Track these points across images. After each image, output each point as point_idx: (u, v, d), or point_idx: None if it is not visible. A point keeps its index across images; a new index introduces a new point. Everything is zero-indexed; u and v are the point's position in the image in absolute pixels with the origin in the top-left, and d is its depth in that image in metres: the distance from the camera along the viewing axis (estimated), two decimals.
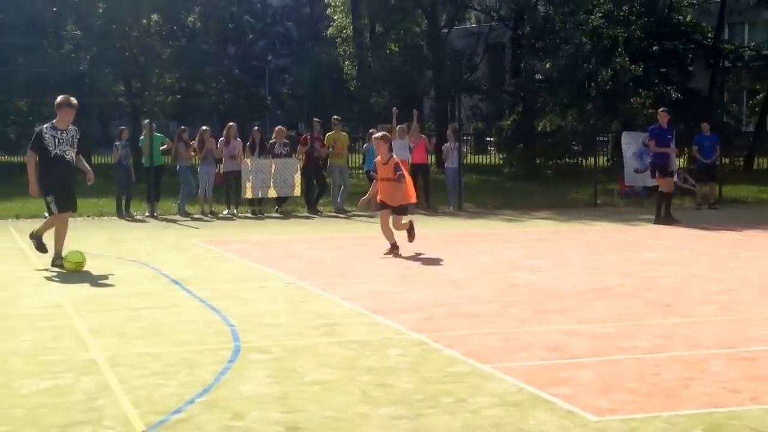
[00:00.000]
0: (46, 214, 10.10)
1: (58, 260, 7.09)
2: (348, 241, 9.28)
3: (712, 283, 6.24)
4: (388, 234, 7.83)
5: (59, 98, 7.10)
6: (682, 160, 17.35)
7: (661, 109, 11.83)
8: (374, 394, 3.49)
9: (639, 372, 3.78)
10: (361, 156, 15.69)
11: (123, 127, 13.07)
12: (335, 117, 13.77)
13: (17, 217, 11.95)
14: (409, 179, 8.10)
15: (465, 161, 18.01)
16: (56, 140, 6.94)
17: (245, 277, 6.71)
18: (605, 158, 20.62)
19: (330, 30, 25.27)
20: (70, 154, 7.02)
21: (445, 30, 24.61)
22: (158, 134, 12.97)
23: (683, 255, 8.05)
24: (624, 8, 21.72)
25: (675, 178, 12.12)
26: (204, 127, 12.89)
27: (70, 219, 7.39)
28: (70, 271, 6.85)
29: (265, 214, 12.62)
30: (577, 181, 17.60)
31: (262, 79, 31.41)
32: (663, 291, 5.93)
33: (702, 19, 24.61)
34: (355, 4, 22.73)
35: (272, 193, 12.83)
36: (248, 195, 12.64)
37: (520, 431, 3.04)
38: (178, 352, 4.23)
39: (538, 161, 20.70)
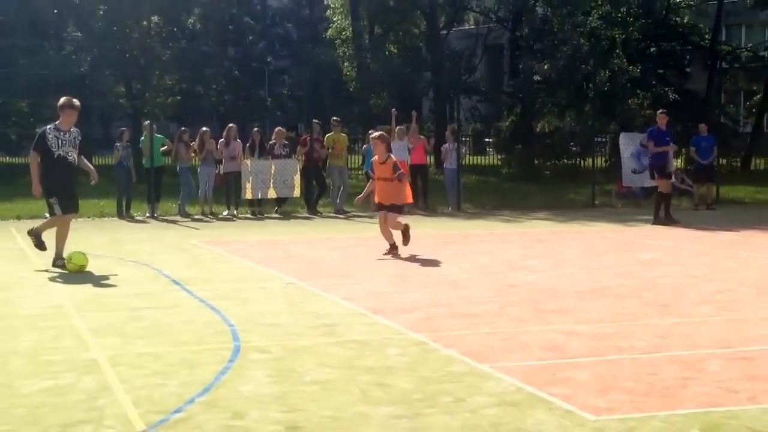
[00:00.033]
0: (47, 215, 10.11)
1: (59, 261, 7.11)
2: (347, 242, 9.29)
3: (709, 284, 6.26)
4: (387, 234, 7.85)
5: (62, 100, 7.13)
6: (679, 160, 17.39)
7: (660, 111, 11.87)
8: (373, 394, 3.50)
9: (636, 372, 3.80)
10: (361, 157, 15.71)
11: (124, 129, 13.12)
12: (334, 118, 13.80)
13: (18, 217, 11.97)
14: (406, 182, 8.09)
15: (464, 162, 18.03)
16: (59, 141, 6.97)
17: (245, 277, 6.74)
18: (603, 159, 20.66)
19: (329, 31, 25.32)
20: (73, 156, 7.05)
21: (444, 31, 24.66)
22: (159, 135, 13.01)
23: (681, 255, 8.07)
24: (622, 10, 21.78)
25: (672, 179, 12.15)
26: (204, 129, 12.94)
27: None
28: (72, 272, 6.87)
29: (265, 215, 12.65)
30: (575, 182, 17.63)
31: (261, 80, 31.48)
32: (661, 291, 5.95)
33: (699, 21, 24.69)
34: (354, 6, 22.77)
35: (272, 194, 12.86)
36: (248, 196, 12.67)
37: (518, 430, 3.05)
38: (179, 352, 4.25)
39: (536, 162, 20.74)
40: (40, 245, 7.30)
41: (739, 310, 5.29)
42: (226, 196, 12.69)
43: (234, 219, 12.34)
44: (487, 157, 24.98)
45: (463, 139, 22.03)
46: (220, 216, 12.46)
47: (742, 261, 7.62)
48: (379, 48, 23.28)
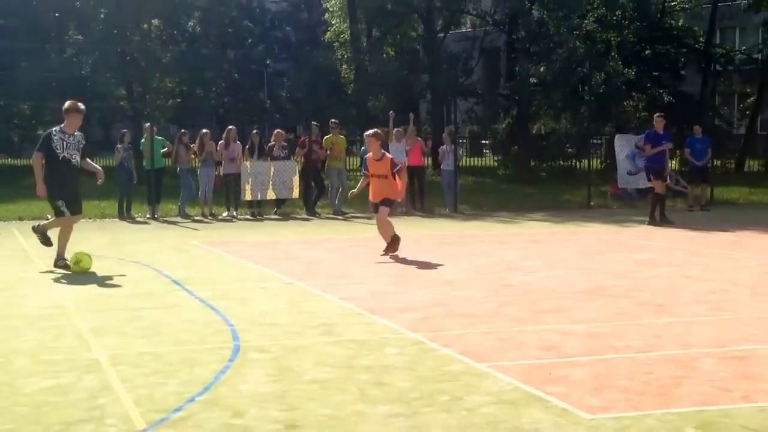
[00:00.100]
0: (49, 217, 10.12)
1: (60, 261, 7.14)
2: (346, 243, 9.33)
3: (703, 284, 6.30)
4: (385, 233, 7.87)
5: (67, 103, 7.18)
6: (674, 162, 17.50)
7: (657, 114, 11.94)
8: (371, 393, 3.53)
9: (632, 371, 3.83)
10: (359, 158, 15.76)
11: (125, 130, 13.18)
12: (333, 120, 13.85)
13: (20, 219, 12.03)
14: (399, 179, 8.09)
15: (461, 164, 18.11)
16: (64, 144, 7.02)
17: (245, 277, 6.76)
18: (599, 160, 20.74)
19: (328, 34, 25.38)
20: (76, 159, 7.10)
21: (441, 34, 24.73)
22: (159, 137, 13.09)
23: (675, 256, 8.12)
24: (617, 13, 21.90)
25: (667, 180, 12.24)
26: (204, 131, 13.05)
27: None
28: (75, 272, 6.90)
29: (264, 216, 12.70)
30: (571, 183, 17.69)
31: (261, 83, 31.57)
32: (655, 291, 5.99)
33: (694, 24, 24.82)
34: (352, 9, 22.83)
35: (271, 195, 12.92)
36: (247, 197, 12.74)
37: (515, 429, 3.08)
38: (179, 352, 4.27)
39: (532, 163, 20.81)
40: (47, 241, 7.32)
41: (732, 309, 5.33)
42: (226, 198, 12.76)
43: (233, 220, 12.39)
44: (483, 159, 25.04)
45: (460, 140, 22.08)
46: (220, 217, 12.51)
47: (736, 261, 7.68)
48: (377, 51, 23.34)
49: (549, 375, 3.77)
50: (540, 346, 4.34)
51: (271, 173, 12.83)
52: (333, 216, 12.82)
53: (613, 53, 20.32)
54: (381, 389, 3.58)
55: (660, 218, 11.17)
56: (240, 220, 12.42)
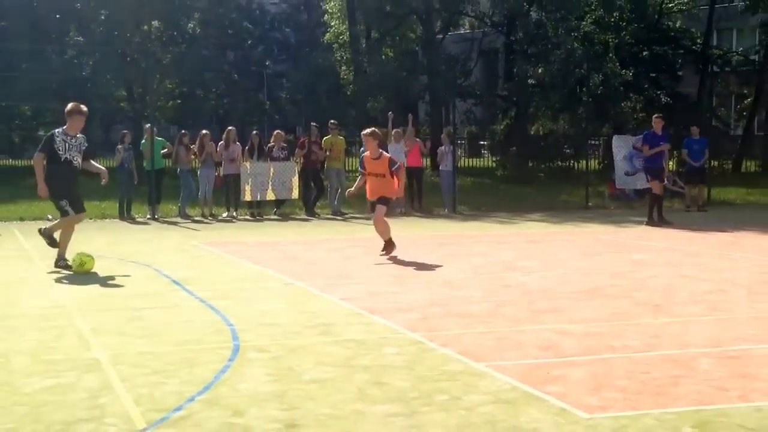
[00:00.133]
0: (50, 217, 10.13)
1: (61, 262, 7.17)
2: (345, 243, 9.35)
3: (701, 284, 6.33)
4: (382, 232, 7.87)
5: (70, 105, 7.21)
6: (671, 163, 17.56)
7: (656, 115, 11.99)
8: (370, 392, 3.54)
9: (629, 370, 3.85)
10: (358, 159, 15.74)
11: (125, 131, 13.24)
12: (332, 121, 13.89)
13: (21, 219, 12.08)
14: (397, 178, 8.08)
15: (459, 164, 18.13)
16: (66, 145, 7.05)
17: (244, 277, 6.78)
18: (597, 161, 20.79)
19: (327, 36, 25.44)
20: (77, 161, 7.13)
21: (440, 36, 24.78)
22: (159, 138, 13.17)
23: (673, 256, 8.15)
24: (615, 14, 21.97)
25: (665, 181, 12.29)
26: (204, 131, 13.13)
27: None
28: (78, 273, 6.93)
29: (264, 217, 12.73)
30: (569, 184, 17.72)
31: (260, 84, 31.64)
32: (653, 291, 6.01)
33: (691, 25, 24.89)
34: (351, 11, 22.87)
35: (271, 196, 12.96)
36: (247, 198, 12.78)
37: (513, 428, 3.09)
38: (179, 351, 4.28)
39: (530, 164, 20.85)
40: (53, 243, 7.32)
41: (729, 309, 5.36)
42: (226, 198, 12.81)
43: (233, 220, 12.43)
44: (482, 160, 25.08)
45: (459, 141, 22.12)
46: (220, 217, 12.55)
47: (733, 261, 7.71)
48: (376, 52, 23.38)
49: (547, 374, 3.79)
50: (538, 345, 4.36)
51: (271, 174, 12.86)
52: (332, 216, 12.85)
53: (610, 54, 20.38)
54: (380, 389, 3.60)
55: (658, 219, 11.22)
56: (240, 220, 12.45)
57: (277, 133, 13.71)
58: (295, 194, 13.14)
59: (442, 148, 14.00)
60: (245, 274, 7.00)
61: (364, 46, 23.70)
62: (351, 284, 6.38)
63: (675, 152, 16.03)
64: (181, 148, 12.80)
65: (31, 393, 3.59)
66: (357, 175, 8.54)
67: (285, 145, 13.59)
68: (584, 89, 19.85)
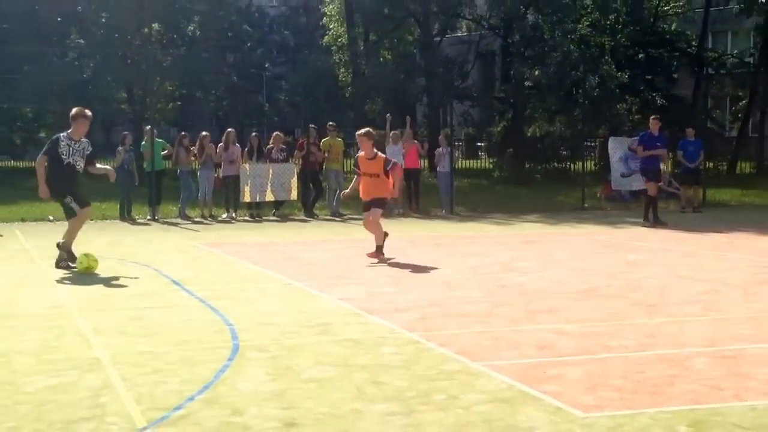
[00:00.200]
0: (51, 218, 10.12)
1: (62, 262, 7.18)
2: (343, 244, 9.40)
3: (696, 284, 6.37)
4: (375, 231, 7.88)
5: (75, 110, 7.26)
6: (667, 164, 17.63)
7: (653, 117, 12.07)
8: (369, 391, 3.57)
9: (625, 370, 3.88)
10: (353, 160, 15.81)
11: (126, 133, 13.33)
12: (330, 123, 13.94)
13: (23, 220, 12.13)
14: (392, 178, 8.09)
15: (456, 166, 18.18)
16: (71, 150, 7.10)
17: (244, 278, 6.81)
18: (593, 163, 20.87)
19: (325, 39, 25.49)
20: (80, 165, 7.19)
21: (437, 38, 24.83)
22: (159, 140, 13.22)
23: (668, 256, 8.19)
24: (611, 17, 22.05)
25: (660, 182, 12.35)
26: (204, 133, 13.19)
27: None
28: (80, 273, 6.95)
29: (263, 218, 12.79)
30: (565, 185, 17.77)
31: (259, 86, 31.71)
32: (648, 291, 6.05)
33: (686, 28, 25.00)
34: (349, 14, 22.94)
35: (270, 197, 13.01)
36: (246, 199, 12.83)
37: (509, 427, 3.12)
38: (179, 351, 4.31)
39: (527, 166, 20.91)
40: (72, 258, 7.24)
41: (724, 309, 5.39)
42: (225, 199, 12.87)
43: (233, 221, 12.48)
44: (479, 161, 25.14)
45: (456, 143, 22.18)
46: (220, 218, 12.60)
47: (728, 262, 7.76)
48: (374, 54, 23.43)
49: (543, 374, 3.82)
50: (535, 345, 4.39)
51: (270, 175, 12.91)
52: (331, 217, 12.90)
53: (606, 57, 20.47)
54: (378, 388, 3.62)
55: (653, 219, 11.28)
56: (239, 221, 12.50)
57: (276, 134, 13.75)
58: (294, 195, 13.19)
59: (440, 149, 14.06)
60: (245, 274, 7.03)
61: (362, 48, 23.75)
62: (349, 284, 6.41)
63: (670, 154, 16.10)
64: (181, 149, 12.85)
65: (32, 392, 3.61)
66: (354, 175, 8.54)
67: (284, 146, 13.63)
68: (580, 91, 19.92)
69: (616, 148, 14.68)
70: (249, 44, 30.53)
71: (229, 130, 13.29)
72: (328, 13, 25.41)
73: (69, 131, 7.18)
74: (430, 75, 22.79)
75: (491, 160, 23.30)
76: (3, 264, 7.73)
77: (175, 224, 11.92)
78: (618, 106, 20.54)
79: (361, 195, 8.01)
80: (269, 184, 12.87)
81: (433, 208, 13.71)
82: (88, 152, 7.25)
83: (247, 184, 12.72)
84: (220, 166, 12.86)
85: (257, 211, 12.86)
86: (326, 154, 13.28)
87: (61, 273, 7.02)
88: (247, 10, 31.73)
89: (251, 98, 29.01)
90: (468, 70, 25.60)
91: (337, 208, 13.09)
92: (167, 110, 26.11)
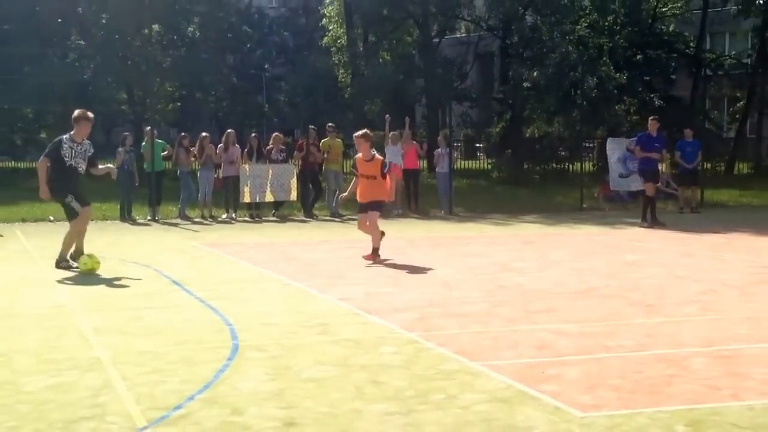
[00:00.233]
0: (51, 218, 10.13)
1: (63, 263, 7.21)
2: (342, 244, 9.40)
3: (694, 284, 6.39)
4: (373, 233, 7.90)
5: (77, 112, 7.28)
6: (665, 165, 17.68)
7: (651, 117, 12.10)
8: (368, 391, 3.58)
9: (623, 369, 3.89)
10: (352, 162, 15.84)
11: (127, 133, 13.35)
12: (330, 124, 13.96)
13: (23, 220, 12.16)
14: (388, 180, 8.11)
15: (455, 166, 18.18)
16: (73, 152, 7.13)
17: (243, 278, 6.82)
18: (591, 163, 20.91)
19: (325, 39, 25.53)
20: (81, 167, 7.21)
21: (436, 39, 24.86)
22: (159, 141, 13.24)
23: (666, 257, 8.21)
24: (609, 18, 22.10)
25: (658, 183, 12.38)
26: (204, 134, 13.21)
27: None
28: (82, 273, 6.97)
29: (263, 218, 12.80)
30: (563, 186, 17.81)
31: (259, 87, 31.74)
32: (646, 292, 6.08)
33: (684, 29, 25.06)
34: (349, 15, 22.98)
35: (269, 198, 13.03)
36: (246, 199, 12.85)
37: (508, 426, 3.13)
38: (179, 351, 4.32)
39: (526, 166, 20.95)
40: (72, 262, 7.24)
41: (722, 310, 5.41)
42: (225, 200, 12.90)
43: (233, 222, 12.50)
44: (478, 162, 25.17)
45: (455, 144, 22.18)
46: (219, 219, 12.63)
47: (725, 262, 7.78)
48: (373, 55, 23.46)
49: (542, 374, 3.83)
50: (533, 345, 4.41)
51: (270, 176, 12.93)
52: (330, 218, 12.91)
53: (605, 58, 20.51)
54: (377, 387, 3.63)
55: (651, 220, 11.31)
56: (239, 221, 12.52)
57: (276, 135, 13.77)
58: (294, 196, 13.21)
59: (439, 150, 14.08)
60: (244, 274, 7.04)
61: (361, 49, 23.79)
62: (349, 285, 6.43)
63: (668, 154, 16.14)
64: (181, 150, 12.88)
65: (33, 391, 3.62)
66: (353, 176, 8.56)
67: (283, 147, 13.65)
68: (579, 92, 19.95)
69: (615, 148, 14.70)
70: (249, 45, 30.56)
71: (229, 130, 13.32)
72: (327, 14, 25.47)
73: (71, 133, 7.20)
74: (429, 76, 22.82)
75: (490, 161, 23.34)
76: (4, 264, 7.74)
77: (175, 225, 11.93)
78: (616, 107, 20.60)
79: (358, 197, 8.03)
80: (269, 184, 12.89)
81: (432, 208, 13.73)
82: (90, 154, 7.27)
83: (247, 185, 12.74)
84: (220, 167, 12.88)
85: (257, 212, 12.88)
86: (326, 155, 13.29)
87: (62, 273, 7.03)
88: (247, 11, 31.76)
89: (251, 99, 29.03)
90: (467, 71, 25.64)
91: (336, 209, 13.10)
92: (167, 111, 26.11)
